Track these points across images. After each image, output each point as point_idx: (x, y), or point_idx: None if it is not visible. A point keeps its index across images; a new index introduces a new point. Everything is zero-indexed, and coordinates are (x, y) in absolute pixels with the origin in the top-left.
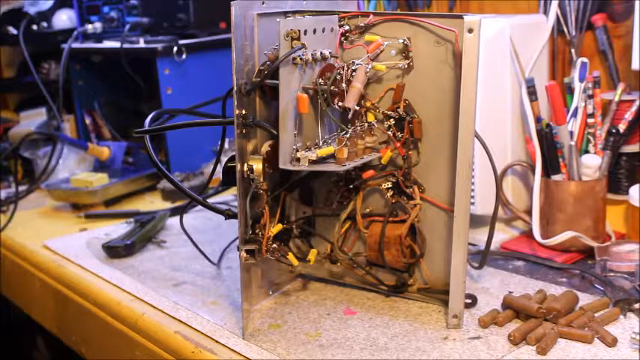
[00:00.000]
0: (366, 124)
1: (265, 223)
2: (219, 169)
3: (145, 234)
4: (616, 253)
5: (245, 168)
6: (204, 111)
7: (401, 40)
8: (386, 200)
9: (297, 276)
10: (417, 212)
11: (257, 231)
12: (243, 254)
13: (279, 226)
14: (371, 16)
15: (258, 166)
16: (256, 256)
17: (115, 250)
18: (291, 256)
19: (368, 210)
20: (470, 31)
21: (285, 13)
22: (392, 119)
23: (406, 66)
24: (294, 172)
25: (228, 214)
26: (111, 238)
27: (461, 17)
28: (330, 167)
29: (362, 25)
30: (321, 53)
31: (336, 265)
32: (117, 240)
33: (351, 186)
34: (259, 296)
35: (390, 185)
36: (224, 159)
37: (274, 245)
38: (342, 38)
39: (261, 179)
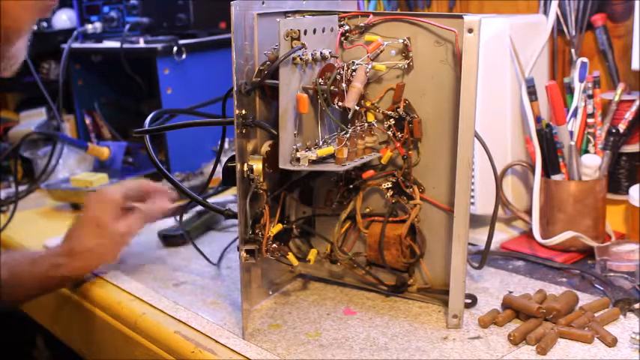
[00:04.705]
0: (366, 124)
1: (265, 223)
2: (219, 169)
3: (201, 223)
4: (616, 253)
5: (245, 168)
6: (204, 111)
7: (401, 40)
8: (386, 200)
9: (297, 276)
10: (417, 212)
11: (257, 231)
12: (243, 254)
13: (279, 226)
14: (371, 16)
15: (258, 166)
16: (256, 256)
17: (172, 239)
18: (291, 256)
19: (368, 210)
20: (470, 31)
21: (285, 13)
22: (392, 119)
23: (406, 66)
24: (294, 172)
25: (228, 214)
26: (170, 225)
27: (461, 17)
28: (330, 167)
29: (362, 25)
30: (321, 53)
31: (336, 265)
32: (173, 229)
33: (351, 186)
34: (259, 296)
35: (390, 185)
36: (224, 159)
37: (274, 245)
38: (342, 38)
39: (261, 179)
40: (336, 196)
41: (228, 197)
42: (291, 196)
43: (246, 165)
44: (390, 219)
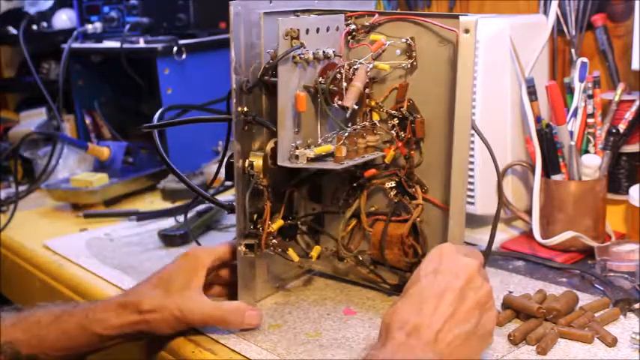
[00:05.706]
0: (367, 123)
1: (266, 218)
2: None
3: (201, 223)
4: (616, 253)
5: (246, 164)
6: (211, 108)
7: (404, 40)
8: (390, 199)
9: (305, 271)
10: (419, 212)
11: (259, 226)
12: (242, 248)
13: (280, 222)
14: (376, 15)
15: (258, 162)
16: (255, 250)
17: (172, 239)
18: (291, 252)
19: (373, 209)
20: (466, 31)
21: (295, 12)
22: (395, 119)
23: (409, 66)
24: (302, 169)
25: (232, 209)
26: (170, 225)
27: (457, 17)
28: (328, 165)
29: (367, 24)
30: (323, 52)
31: (343, 263)
32: (172, 229)
33: (355, 184)
34: (264, 291)
35: (393, 184)
36: None
37: (274, 241)
38: (349, 37)
39: (261, 175)
40: (343, 194)
41: (229, 197)
42: (300, 192)
43: (247, 161)
44: (394, 218)
